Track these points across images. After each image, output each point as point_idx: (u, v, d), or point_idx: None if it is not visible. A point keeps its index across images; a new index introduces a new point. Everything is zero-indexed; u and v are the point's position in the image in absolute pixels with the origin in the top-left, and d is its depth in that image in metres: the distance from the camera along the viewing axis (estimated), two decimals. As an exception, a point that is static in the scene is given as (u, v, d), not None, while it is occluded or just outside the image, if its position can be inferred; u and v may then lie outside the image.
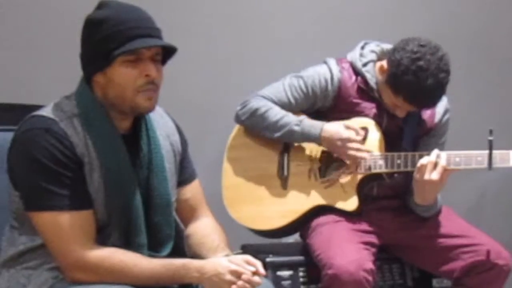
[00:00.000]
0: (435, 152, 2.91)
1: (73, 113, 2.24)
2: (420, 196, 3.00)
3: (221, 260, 2.26)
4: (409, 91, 2.92)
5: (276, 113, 3.08)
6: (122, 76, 2.21)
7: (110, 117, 2.27)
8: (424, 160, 2.91)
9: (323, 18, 3.86)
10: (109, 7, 2.24)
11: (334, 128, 3.03)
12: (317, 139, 3.04)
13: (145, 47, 2.21)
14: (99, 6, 2.27)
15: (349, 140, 3.01)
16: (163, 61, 2.30)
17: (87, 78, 2.28)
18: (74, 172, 2.19)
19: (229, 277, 2.20)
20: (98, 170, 2.22)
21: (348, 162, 3.05)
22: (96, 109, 2.26)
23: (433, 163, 2.90)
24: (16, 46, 3.46)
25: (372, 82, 3.08)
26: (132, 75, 2.21)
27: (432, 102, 2.98)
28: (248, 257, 2.27)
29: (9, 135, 2.31)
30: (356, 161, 3.03)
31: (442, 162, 2.89)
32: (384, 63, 3.02)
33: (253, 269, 2.23)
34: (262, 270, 2.24)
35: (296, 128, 3.05)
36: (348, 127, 3.03)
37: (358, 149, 3.01)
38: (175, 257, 2.31)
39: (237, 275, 2.20)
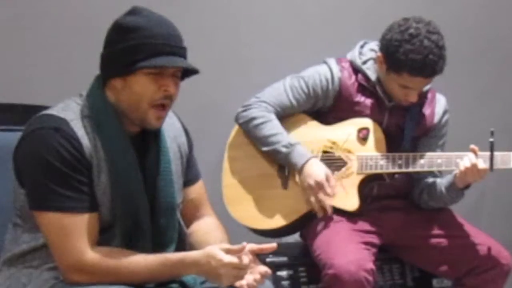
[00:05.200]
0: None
1: (83, 114, 2.23)
2: (462, 181, 2.98)
3: (213, 248, 2.20)
4: (410, 61, 2.90)
5: (271, 128, 3.07)
6: (142, 87, 2.21)
7: (120, 119, 2.26)
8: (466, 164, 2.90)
9: (323, 18, 3.86)
10: (141, 15, 2.23)
11: (318, 169, 3.02)
12: (297, 166, 3.03)
13: (170, 66, 2.21)
14: (132, 12, 2.26)
15: (321, 188, 2.99)
16: (182, 77, 2.31)
17: (104, 80, 2.27)
18: (82, 174, 2.18)
19: (225, 258, 2.15)
20: (106, 171, 2.21)
21: (308, 203, 3.05)
22: (106, 111, 2.25)
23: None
24: (16, 46, 3.45)
25: (373, 77, 3.08)
26: (152, 88, 2.21)
27: (435, 64, 2.91)
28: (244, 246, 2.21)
29: (9, 135, 2.31)
30: (311, 206, 3.03)
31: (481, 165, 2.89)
32: (380, 54, 3.02)
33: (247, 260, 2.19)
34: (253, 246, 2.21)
35: (283, 149, 3.04)
36: (328, 179, 3.01)
37: (320, 201, 3.00)
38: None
39: (233, 253, 2.17)
